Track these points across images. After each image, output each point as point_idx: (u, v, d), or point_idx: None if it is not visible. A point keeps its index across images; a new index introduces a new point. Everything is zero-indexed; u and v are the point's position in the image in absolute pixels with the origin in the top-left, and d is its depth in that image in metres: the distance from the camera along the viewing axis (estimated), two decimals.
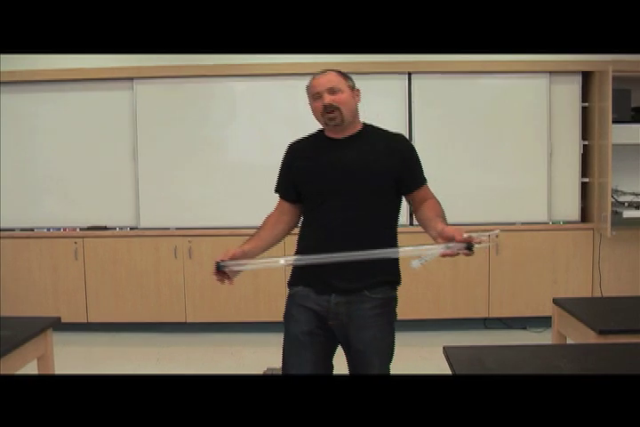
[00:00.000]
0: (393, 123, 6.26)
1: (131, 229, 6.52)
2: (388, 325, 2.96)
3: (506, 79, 6.33)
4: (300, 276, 2.93)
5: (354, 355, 2.90)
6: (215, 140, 6.38)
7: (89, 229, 6.47)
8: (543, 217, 6.35)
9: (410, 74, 6.28)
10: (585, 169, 6.41)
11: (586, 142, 6.35)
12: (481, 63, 6.15)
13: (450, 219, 6.23)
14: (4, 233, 6.48)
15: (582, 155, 6.38)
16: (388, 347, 2.95)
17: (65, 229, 6.51)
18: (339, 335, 2.89)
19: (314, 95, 2.85)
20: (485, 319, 6.35)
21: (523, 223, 6.31)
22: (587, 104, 6.34)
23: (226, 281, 2.69)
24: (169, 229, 6.42)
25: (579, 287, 6.17)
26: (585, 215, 6.45)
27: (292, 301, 2.96)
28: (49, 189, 6.54)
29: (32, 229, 6.54)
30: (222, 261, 2.64)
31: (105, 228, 6.50)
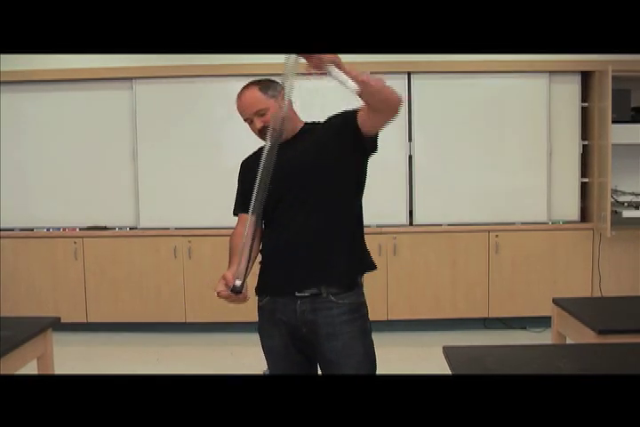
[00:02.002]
0: (393, 123, 6.28)
1: (130, 229, 6.52)
2: (361, 332, 2.78)
3: (505, 79, 6.33)
4: (262, 284, 2.85)
5: (327, 366, 2.81)
6: (215, 139, 6.39)
7: (89, 228, 6.48)
8: (543, 217, 6.36)
9: (409, 74, 6.29)
10: (585, 169, 6.41)
11: (585, 142, 6.36)
12: (480, 63, 6.15)
13: (450, 218, 6.29)
14: (3, 233, 6.48)
15: (582, 155, 6.39)
16: (363, 356, 2.79)
17: (65, 229, 6.52)
18: (310, 346, 2.80)
19: (245, 120, 2.82)
20: (485, 319, 6.36)
21: (522, 223, 6.31)
22: (586, 104, 6.35)
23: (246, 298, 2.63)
24: (169, 229, 6.42)
25: (578, 287, 6.18)
26: (585, 215, 6.46)
27: (261, 314, 2.90)
28: (49, 188, 6.54)
29: (32, 229, 6.55)
30: (234, 285, 2.55)
31: (105, 228, 6.50)
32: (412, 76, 6.30)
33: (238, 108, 2.86)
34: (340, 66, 2.34)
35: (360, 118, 2.67)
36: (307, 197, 2.75)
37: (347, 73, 2.35)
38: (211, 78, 6.30)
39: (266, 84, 2.84)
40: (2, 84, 6.41)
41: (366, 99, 2.49)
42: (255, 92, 2.80)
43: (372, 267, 2.89)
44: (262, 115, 2.77)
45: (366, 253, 2.90)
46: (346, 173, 2.80)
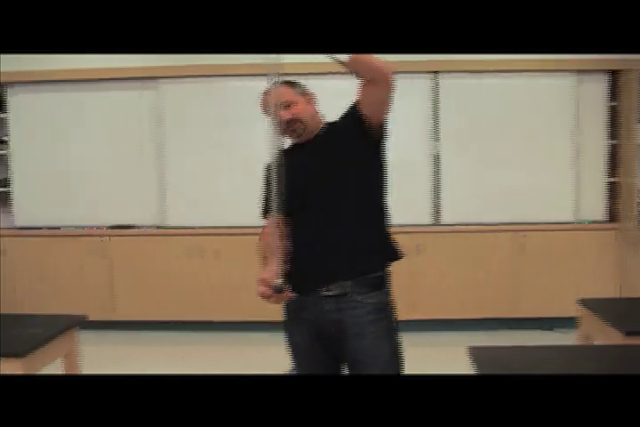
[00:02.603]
0: (419, 122, 6.28)
1: (157, 227, 6.55)
2: (387, 332, 2.79)
3: (532, 78, 6.29)
4: (289, 282, 2.86)
5: (354, 365, 2.80)
6: (241, 138, 6.40)
7: (115, 227, 6.51)
8: (569, 217, 6.32)
9: (436, 73, 6.28)
10: (612, 169, 6.36)
11: (613, 142, 6.31)
12: (507, 62, 6.12)
13: (476, 218, 6.26)
14: (31, 232, 6.54)
15: (610, 154, 6.34)
16: (390, 356, 2.79)
17: (92, 228, 6.56)
18: (338, 345, 2.80)
19: (269, 115, 2.74)
20: (510, 320, 6.32)
21: (548, 223, 6.28)
22: (614, 103, 6.30)
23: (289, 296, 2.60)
24: (195, 227, 6.45)
25: (605, 288, 6.13)
26: (612, 215, 6.41)
27: (287, 313, 2.92)
28: (76, 187, 6.59)
29: (59, 228, 6.59)
30: (276, 285, 2.51)
31: (131, 226, 6.53)
32: (438, 75, 6.28)
33: (263, 102, 2.87)
34: None
35: (360, 102, 2.70)
36: (329, 196, 2.76)
37: None
38: (236, 77, 6.31)
39: (292, 82, 2.88)
40: (30, 84, 6.47)
41: (355, 68, 2.52)
42: (284, 87, 2.82)
43: (398, 256, 2.87)
44: (288, 106, 2.79)
45: (391, 244, 2.88)
46: (364, 166, 2.80)
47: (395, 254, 2.88)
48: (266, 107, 2.84)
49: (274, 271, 2.55)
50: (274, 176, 2.49)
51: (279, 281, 2.51)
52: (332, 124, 2.90)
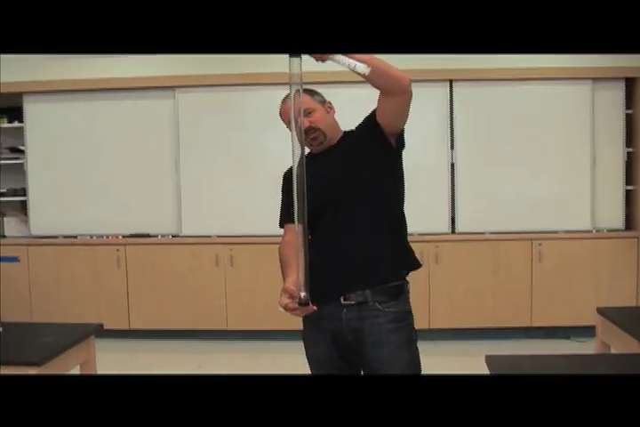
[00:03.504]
0: (435, 130, 6.27)
1: (173, 236, 6.56)
2: (406, 341, 2.78)
3: (548, 86, 6.28)
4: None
5: (372, 374, 2.79)
6: (256, 147, 6.41)
7: (131, 236, 6.53)
8: (586, 225, 6.29)
9: (451, 81, 6.27)
10: (629, 176, 6.33)
11: (630, 149, 6.28)
12: (523, 70, 6.12)
13: (492, 226, 6.23)
14: (48, 240, 6.56)
15: (627, 162, 6.31)
16: (408, 365, 2.77)
17: (108, 237, 6.58)
18: (356, 354, 2.79)
19: (288, 122, 2.75)
20: (528, 328, 6.29)
21: (566, 231, 6.25)
22: (630, 111, 6.27)
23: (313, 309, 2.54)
24: (210, 236, 6.45)
25: (623, 296, 6.09)
26: (629, 223, 6.37)
27: (306, 322, 2.90)
28: (92, 196, 6.61)
29: (75, 237, 6.61)
30: (301, 298, 2.45)
31: (147, 235, 6.55)
32: (453, 83, 6.28)
33: (282, 110, 2.87)
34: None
35: (378, 112, 2.70)
36: (348, 204, 2.76)
37: (353, 57, 2.37)
38: (252, 86, 6.32)
39: (311, 90, 2.88)
40: (46, 94, 6.50)
41: (375, 80, 2.50)
42: (304, 95, 2.75)
43: (416, 265, 2.88)
44: (308, 114, 2.78)
45: (409, 254, 2.88)
46: (382, 175, 2.80)
47: (413, 263, 2.88)
48: (285, 115, 2.84)
49: (297, 282, 2.50)
50: (295, 185, 2.47)
51: (304, 294, 2.46)
52: (349, 133, 2.91)
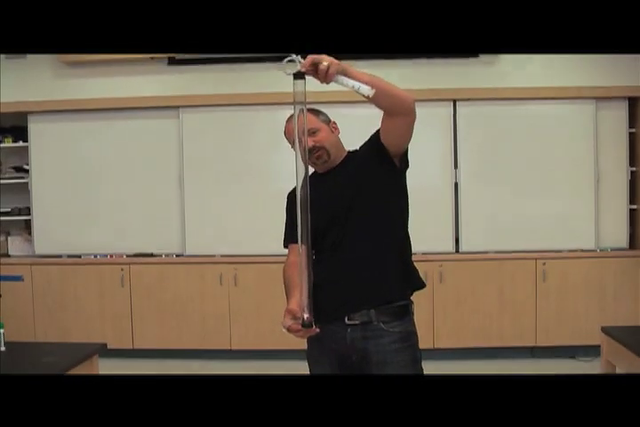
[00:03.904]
0: (439, 149, 6.28)
1: (176, 256, 6.56)
2: (411, 361, 2.77)
3: (551, 105, 6.29)
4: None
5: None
6: (260, 167, 6.42)
7: (135, 255, 6.53)
8: (591, 244, 6.28)
9: (455, 101, 6.29)
10: (633, 195, 6.33)
11: (633, 169, 6.29)
12: (526, 90, 6.15)
13: (496, 246, 6.22)
14: (52, 260, 6.57)
15: (630, 181, 6.32)
16: None
17: (112, 256, 6.58)
18: (360, 373, 2.78)
19: (292, 142, 2.72)
20: (532, 348, 6.27)
21: (570, 250, 6.24)
22: (634, 130, 6.29)
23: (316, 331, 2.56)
24: (214, 256, 6.45)
25: (627, 316, 6.07)
26: (633, 242, 6.36)
27: (310, 342, 2.89)
28: (96, 215, 6.62)
29: (79, 256, 6.61)
30: (304, 319, 2.47)
31: (151, 255, 6.55)
32: (457, 103, 6.29)
33: (287, 129, 2.88)
34: (348, 73, 2.38)
35: (382, 132, 2.71)
36: (352, 224, 2.76)
37: (357, 78, 2.37)
38: (255, 107, 6.35)
39: (316, 110, 2.89)
40: (50, 113, 6.53)
41: (379, 101, 2.50)
42: (309, 115, 2.77)
43: (421, 285, 2.87)
44: (313, 133, 2.79)
45: (414, 273, 2.88)
46: (386, 195, 2.80)
47: (417, 283, 2.88)
48: (289, 134, 2.85)
49: (300, 303, 2.50)
50: (298, 205, 2.48)
51: (307, 315, 2.46)
52: (354, 153, 2.91)
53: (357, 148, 2.90)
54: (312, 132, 2.79)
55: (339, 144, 2.89)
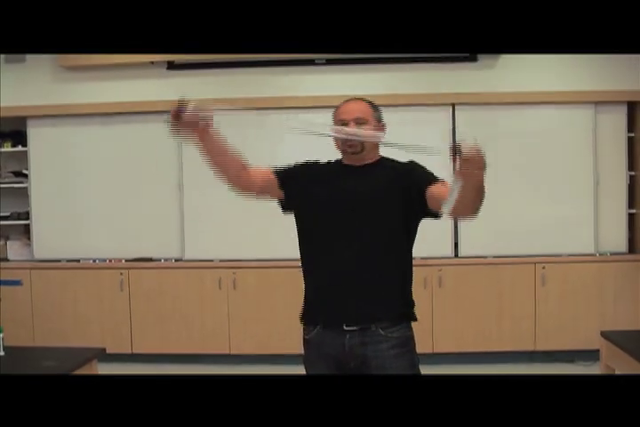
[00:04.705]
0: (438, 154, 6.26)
1: (176, 260, 6.56)
2: (409, 366, 2.79)
3: (550, 110, 6.29)
4: (311, 315, 2.85)
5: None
6: None
7: (134, 260, 6.53)
8: (590, 248, 6.28)
9: (454, 106, 6.28)
10: (632, 200, 6.33)
11: (632, 173, 6.29)
12: (525, 94, 6.15)
13: (495, 250, 6.22)
14: (51, 264, 6.56)
15: (629, 185, 6.32)
16: None
17: (111, 261, 6.57)
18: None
19: (339, 121, 2.83)
20: (532, 352, 6.26)
21: (569, 255, 6.24)
22: (633, 134, 6.29)
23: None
24: (213, 260, 6.44)
25: (627, 320, 6.07)
26: (632, 246, 6.36)
27: (308, 347, 2.88)
28: (95, 220, 6.61)
29: (78, 261, 6.61)
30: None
31: (150, 259, 6.54)
32: (456, 107, 6.29)
33: (340, 110, 2.90)
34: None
35: (430, 194, 2.73)
36: (364, 227, 2.76)
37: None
38: (257, 111, 6.33)
39: (375, 105, 2.92)
40: (49, 118, 6.53)
41: (467, 192, 2.64)
42: (365, 104, 2.88)
43: (415, 318, 2.88)
44: (360, 123, 2.81)
45: (412, 302, 2.89)
46: (403, 219, 2.81)
47: (413, 315, 2.89)
48: (342, 113, 2.88)
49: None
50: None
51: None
52: (387, 162, 2.92)
53: (393, 158, 2.92)
54: (361, 122, 2.81)
55: (376, 144, 2.88)
